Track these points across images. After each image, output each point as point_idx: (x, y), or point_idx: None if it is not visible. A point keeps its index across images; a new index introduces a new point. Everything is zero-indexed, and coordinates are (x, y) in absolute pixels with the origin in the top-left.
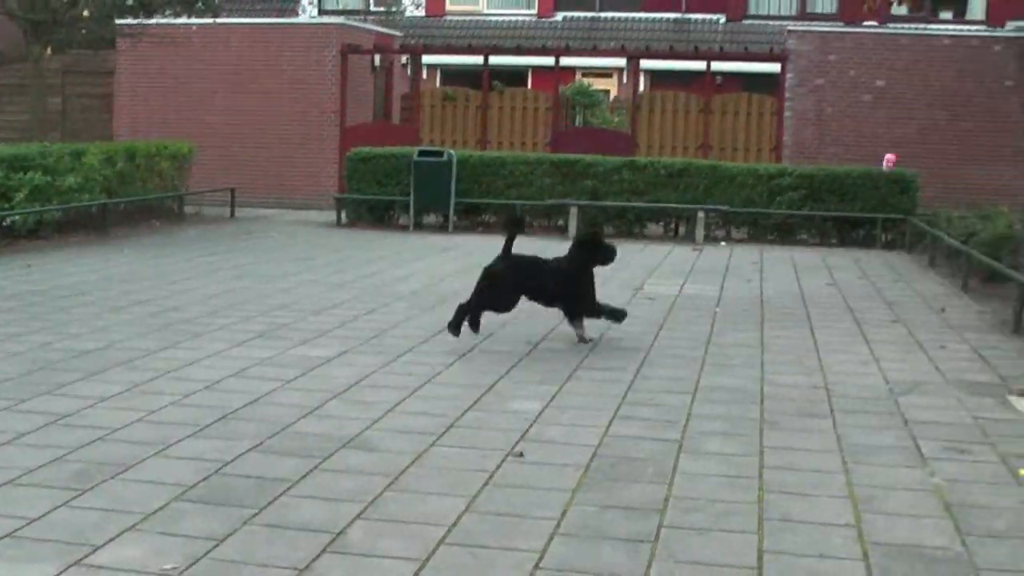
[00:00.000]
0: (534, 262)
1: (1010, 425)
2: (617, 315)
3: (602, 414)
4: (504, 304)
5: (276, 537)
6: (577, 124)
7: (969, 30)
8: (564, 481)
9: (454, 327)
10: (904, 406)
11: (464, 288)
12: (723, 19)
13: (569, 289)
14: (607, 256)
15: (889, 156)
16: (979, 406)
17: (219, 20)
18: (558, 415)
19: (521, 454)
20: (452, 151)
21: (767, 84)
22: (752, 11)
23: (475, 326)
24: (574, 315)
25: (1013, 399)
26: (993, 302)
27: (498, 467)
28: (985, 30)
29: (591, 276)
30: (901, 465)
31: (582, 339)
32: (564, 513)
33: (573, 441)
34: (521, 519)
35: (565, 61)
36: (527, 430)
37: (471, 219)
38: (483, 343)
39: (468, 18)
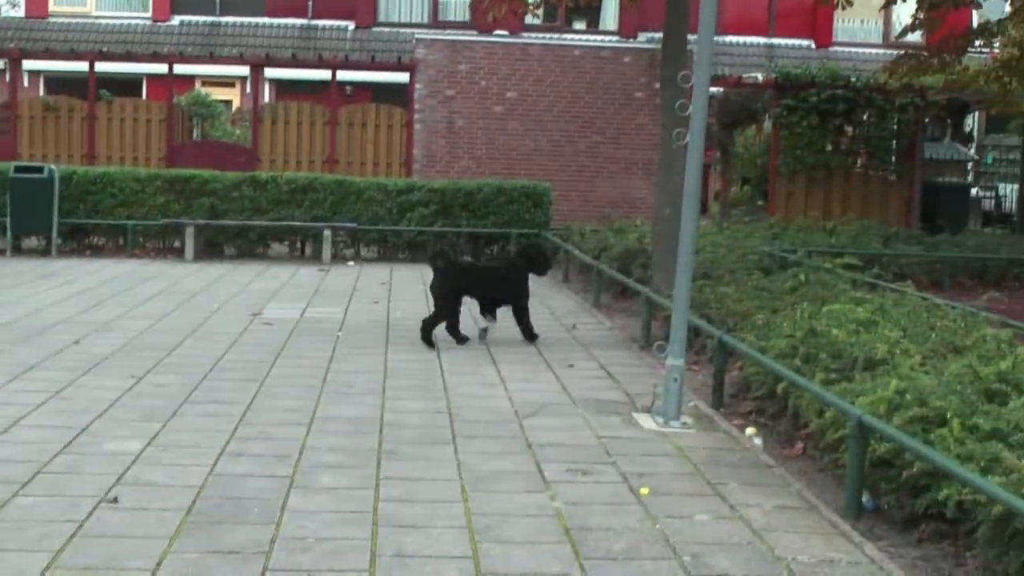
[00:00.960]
0: (480, 267)
1: (633, 443)
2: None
3: (208, 452)
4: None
5: None
6: (195, 137)
7: (601, 41)
8: (163, 527)
9: (427, 341)
10: (529, 429)
11: (68, 317)
12: (352, 26)
13: (511, 294)
14: (543, 267)
15: None
16: (604, 425)
17: None
18: (160, 455)
19: (116, 500)
20: (54, 167)
21: (398, 94)
22: (382, 18)
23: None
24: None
25: (638, 416)
26: (624, 317)
27: (89, 515)
28: (617, 41)
29: (527, 285)
30: (522, 491)
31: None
32: (160, 563)
33: (175, 482)
34: (112, 572)
35: (182, 69)
36: (124, 473)
37: (78, 241)
38: (81, 379)
39: (75, 20)
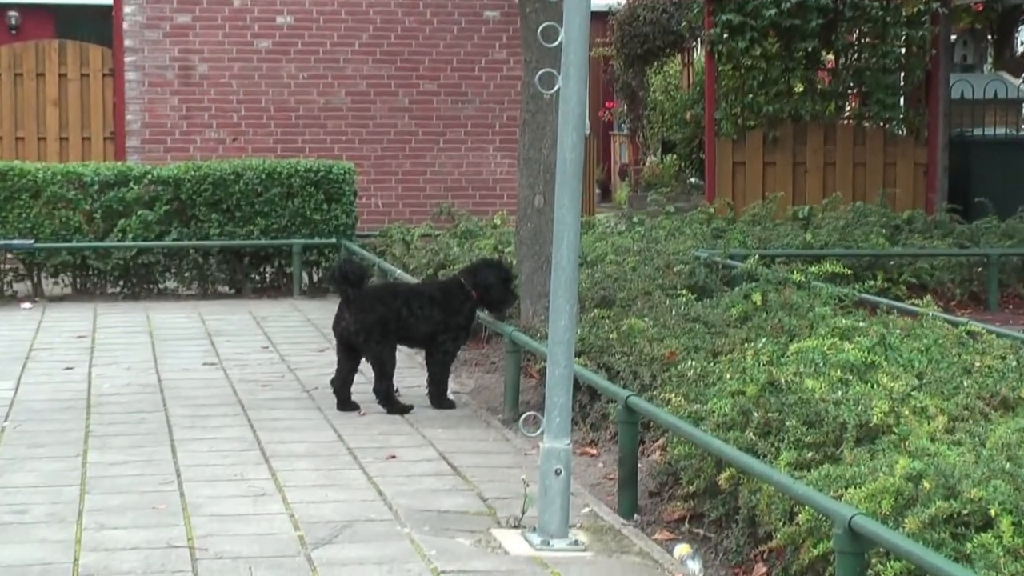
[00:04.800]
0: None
1: None
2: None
3: None
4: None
5: None
6: None
7: None
8: None
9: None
10: (323, 566)
11: None
12: None
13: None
14: (503, 294)
15: None
16: (447, 553)
17: None
18: None
19: None
20: None
21: (96, 25)
22: None
23: None
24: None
25: (500, 534)
26: (477, 373)
27: None
28: None
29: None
30: None
31: None
32: None
33: None
34: None
35: None
36: None
37: None
38: None
39: None
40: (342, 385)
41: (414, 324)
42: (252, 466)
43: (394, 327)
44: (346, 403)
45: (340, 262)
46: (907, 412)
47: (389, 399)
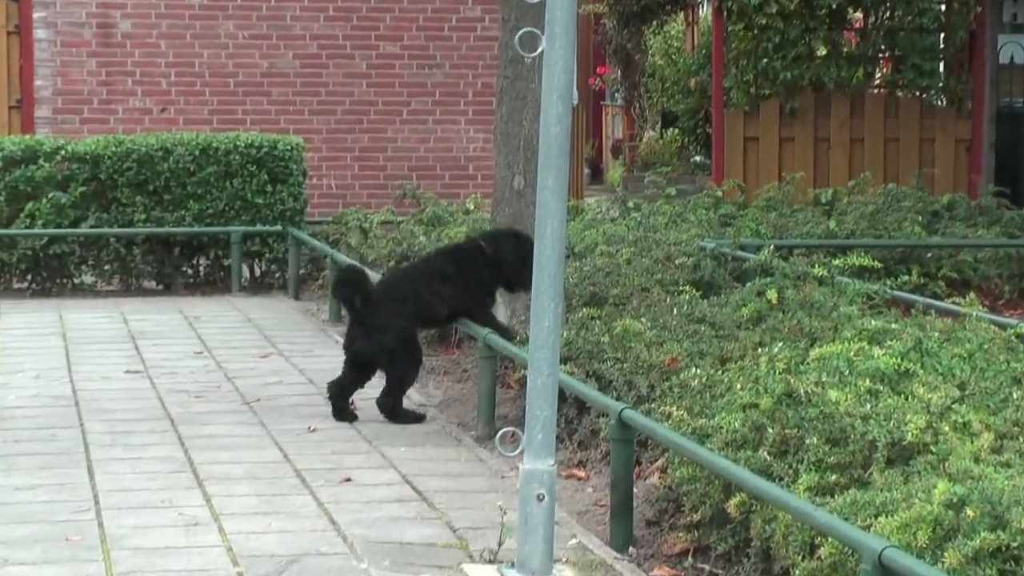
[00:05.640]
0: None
1: None
2: None
3: None
4: None
5: None
6: None
7: None
8: None
9: None
10: None
11: None
12: None
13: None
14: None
15: None
16: None
17: None
18: None
19: None
20: None
21: None
22: None
23: None
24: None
25: (473, 571)
26: (447, 383)
27: None
28: None
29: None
30: None
31: None
32: None
33: None
34: None
35: None
36: None
37: None
38: None
39: None
40: (339, 392)
41: (437, 308)
42: (183, 491)
43: (416, 331)
44: (343, 412)
45: (337, 270)
46: (947, 428)
47: (396, 412)
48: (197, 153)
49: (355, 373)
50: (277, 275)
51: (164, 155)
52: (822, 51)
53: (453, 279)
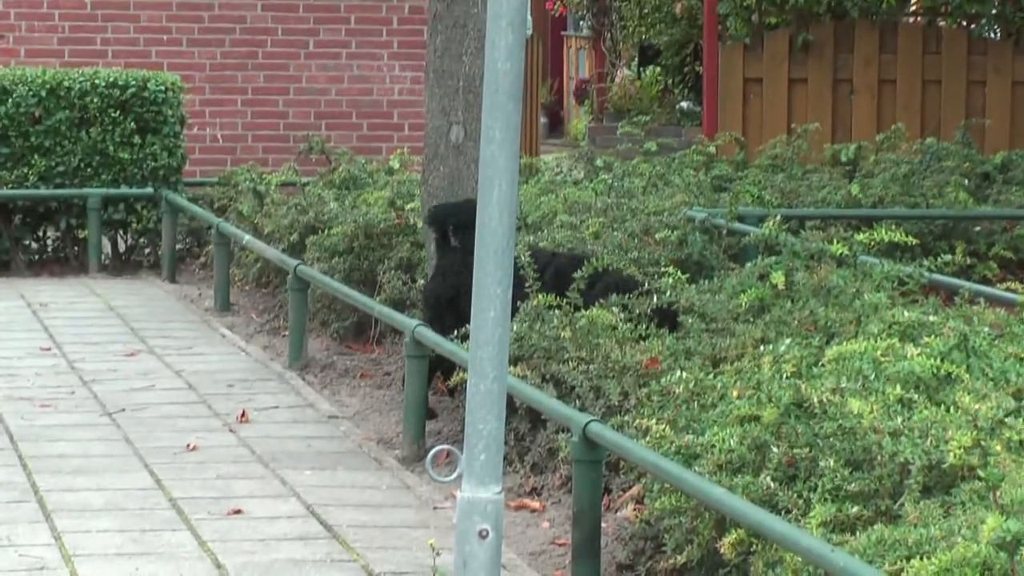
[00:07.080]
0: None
1: None
2: None
3: None
4: None
5: None
6: None
7: None
8: None
9: None
10: None
11: None
12: None
13: None
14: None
15: None
16: None
17: None
18: None
19: None
20: None
21: None
22: None
23: None
24: None
25: None
26: (364, 390)
27: None
28: None
29: None
30: None
31: None
32: None
33: None
34: None
35: None
36: None
37: None
38: None
39: None
40: None
41: None
42: (25, 525)
43: None
44: None
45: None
46: (998, 448)
47: None
48: (44, 94)
49: None
50: (147, 251)
51: (1, 96)
52: None
53: None
